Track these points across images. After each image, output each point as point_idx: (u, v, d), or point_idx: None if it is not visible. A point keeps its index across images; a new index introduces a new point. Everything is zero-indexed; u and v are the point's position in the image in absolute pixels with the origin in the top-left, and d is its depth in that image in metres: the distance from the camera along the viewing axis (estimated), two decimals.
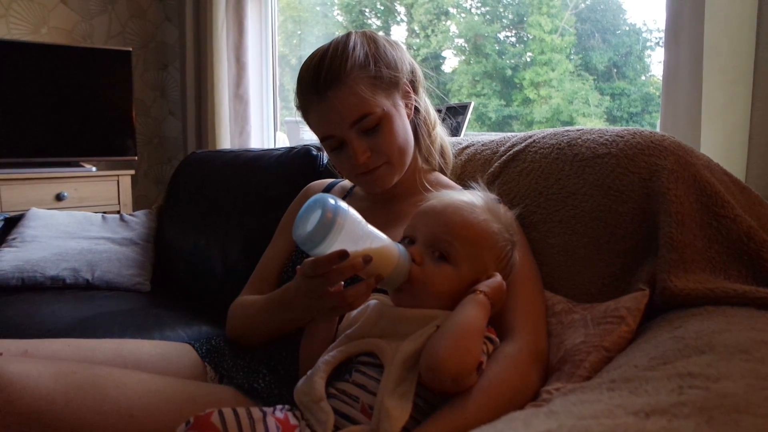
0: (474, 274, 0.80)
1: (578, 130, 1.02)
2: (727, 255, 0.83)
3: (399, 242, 0.81)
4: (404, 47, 1.00)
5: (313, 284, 0.78)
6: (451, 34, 3.13)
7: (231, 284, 1.42)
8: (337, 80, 0.89)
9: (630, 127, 0.97)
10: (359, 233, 0.74)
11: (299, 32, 3.56)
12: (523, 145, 1.07)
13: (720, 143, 1.22)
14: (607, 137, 0.96)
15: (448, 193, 0.89)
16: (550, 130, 1.07)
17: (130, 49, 2.81)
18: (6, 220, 1.92)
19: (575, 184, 0.96)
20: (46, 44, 2.71)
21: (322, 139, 0.97)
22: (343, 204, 0.73)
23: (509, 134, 1.15)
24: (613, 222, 0.90)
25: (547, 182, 0.99)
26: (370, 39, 0.95)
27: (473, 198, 0.85)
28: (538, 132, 1.09)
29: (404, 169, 0.99)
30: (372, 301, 0.83)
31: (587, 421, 0.47)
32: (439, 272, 0.78)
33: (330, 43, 0.94)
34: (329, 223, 0.70)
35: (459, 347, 0.70)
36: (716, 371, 0.54)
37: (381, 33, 1.00)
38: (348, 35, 0.95)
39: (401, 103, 0.97)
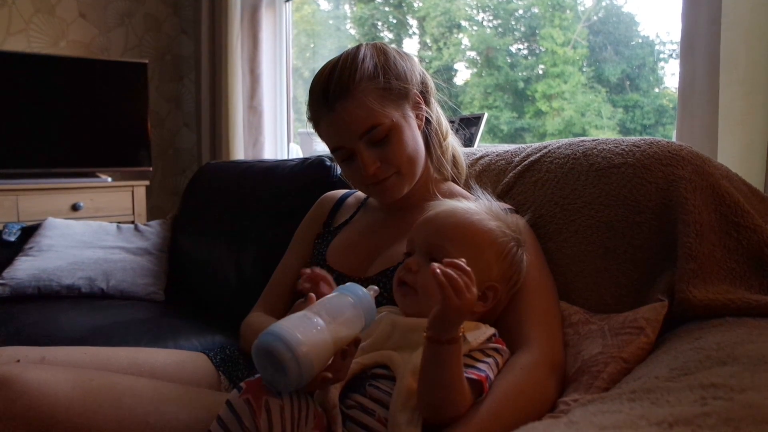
0: (476, 273, 0.78)
1: (594, 141, 1.02)
2: (747, 265, 0.82)
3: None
4: (415, 58, 1.01)
5: None
6: (463, 47, 3.14)
7: (245, 294, 1.42)
8: (346, 92, 0.90)
9: (646, 137, 0.96)
10: (323, 344, 0.67)
11: (312, 45, 3.60)
12: (538, 155, 1.07)
13: (738, 154, 1.20)
14: (623, 147, 0.95)
15: (447, 201, 0.89)
16: (566, 141, 1.07)
17: (146, 61, 2.85)
18: (23, 229, 1.95)
19: (591, 194, 0.95)
20: (65, 57, 2.76)
21: (332, 150, 0.97)
22: (296, 334, 0.65)
23: (524, 145, 1.15)
24: (630, 232, 0.90)
25: (563, 192, 0.99)
26: (380, 50, 0.95)
27: (473, 204, 0.86)
28: (553, 142, 1.09)
29: (414, 179, 0.99)
30: (383, 313, 0.83)
31: None
32: None
33: (340, 56, 0.95)
34: (296, 367, 0.64)
35: (440, 409, 0.69)
36: (740, 382, 0.54)
37: (393, 45, 1.00)
38: (358, 47, 0.95)
39: (411, 114, 0.97)
